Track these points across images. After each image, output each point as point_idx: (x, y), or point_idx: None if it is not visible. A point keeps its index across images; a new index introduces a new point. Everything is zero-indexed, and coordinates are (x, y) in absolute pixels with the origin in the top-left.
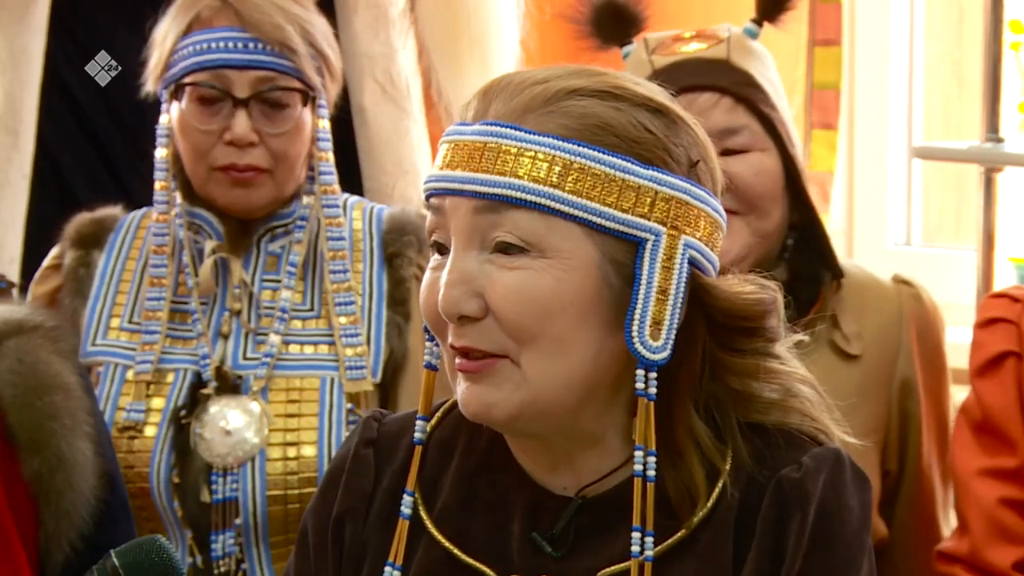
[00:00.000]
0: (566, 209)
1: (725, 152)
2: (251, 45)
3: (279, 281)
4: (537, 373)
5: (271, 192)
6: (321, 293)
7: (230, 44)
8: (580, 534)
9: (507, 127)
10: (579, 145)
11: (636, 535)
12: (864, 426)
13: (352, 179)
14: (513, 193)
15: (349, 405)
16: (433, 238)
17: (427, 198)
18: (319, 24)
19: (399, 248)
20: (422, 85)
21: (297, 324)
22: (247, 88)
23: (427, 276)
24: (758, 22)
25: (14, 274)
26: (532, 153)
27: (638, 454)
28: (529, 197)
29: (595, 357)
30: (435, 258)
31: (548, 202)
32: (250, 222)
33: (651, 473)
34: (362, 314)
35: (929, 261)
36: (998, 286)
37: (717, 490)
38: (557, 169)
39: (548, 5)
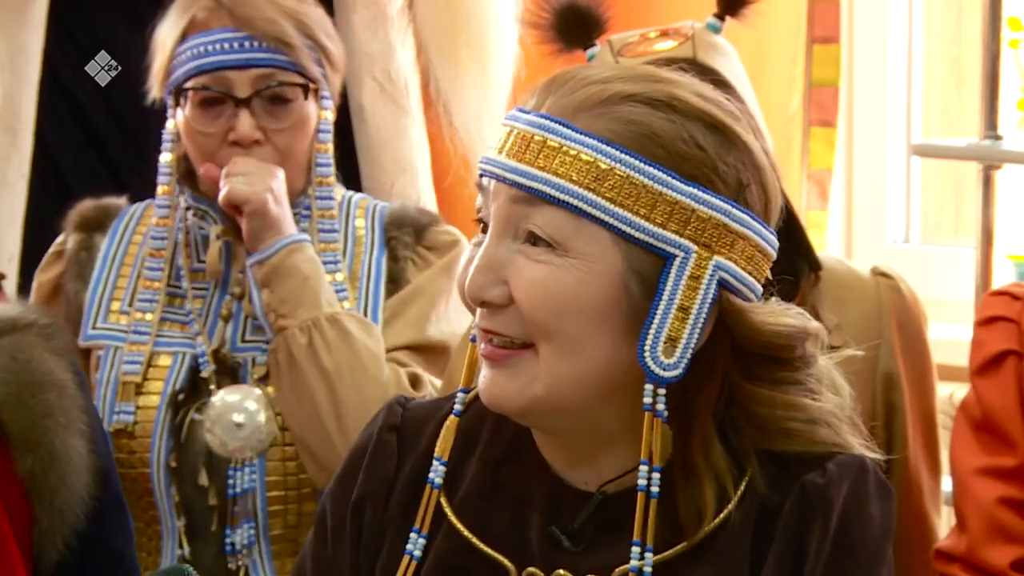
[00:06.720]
0: (597, 213)
1: None
2: (247, 44)
3: None
4: (549, 369)
5: None
6: None
7: (227, 45)
8: (599, 530)
9: (556, 122)
10: (622, 151)
11: (636, 549)
12: None
13: (351, 177)
14: (548, 189)
15: None
16: (479, 215)
17: (480, 176)
18: (315, 15)
19: (397, 235)
20: (420, 83)
21: None
22: (247, 87)
23: (467, 253)
24: (720, 16)
25: (13, 273)
26: (575, 152)
27: (643, 469)
28: (562, 196)
29: (608, 362)
30: (477, 236)
31: (580, 203)
32: None
33: (655, 489)
34: (360, 296)
35: (928, 259)
36: (997, 283)
37: (724, 513)
38: (595, 172)
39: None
